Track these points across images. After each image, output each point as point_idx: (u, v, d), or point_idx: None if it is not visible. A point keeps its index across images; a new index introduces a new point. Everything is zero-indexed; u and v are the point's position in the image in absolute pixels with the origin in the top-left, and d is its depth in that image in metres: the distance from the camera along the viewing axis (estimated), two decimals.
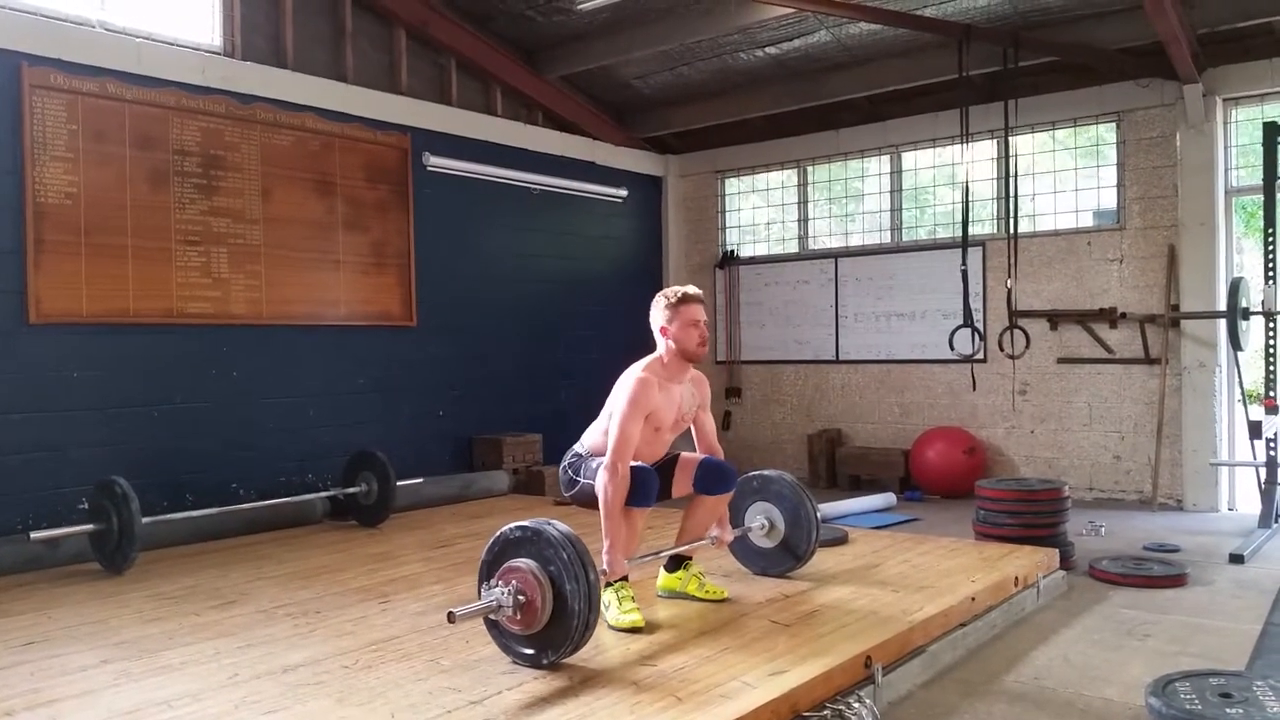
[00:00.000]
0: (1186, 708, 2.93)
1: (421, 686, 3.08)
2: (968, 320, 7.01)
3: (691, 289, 3.89)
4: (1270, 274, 6.12)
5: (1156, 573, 4.89)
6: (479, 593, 3.27)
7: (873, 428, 8.49)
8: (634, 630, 3.58)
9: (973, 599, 4.08)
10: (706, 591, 4.09)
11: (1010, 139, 7.04)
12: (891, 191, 8.53)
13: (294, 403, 6.53)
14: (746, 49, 7.89)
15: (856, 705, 3.09)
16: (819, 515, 4.43)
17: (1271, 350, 6.20)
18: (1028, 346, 7.15)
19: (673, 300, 3.82)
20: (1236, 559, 5.29)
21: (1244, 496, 6.93)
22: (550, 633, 3.16)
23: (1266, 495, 6.12)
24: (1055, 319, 7.53)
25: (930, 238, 8.37)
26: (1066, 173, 7.69)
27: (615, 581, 3.72)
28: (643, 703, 2.89)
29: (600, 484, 3.67)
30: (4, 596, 4.41)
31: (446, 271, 7.42)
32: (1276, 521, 6.06)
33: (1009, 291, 7.08)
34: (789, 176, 9.14)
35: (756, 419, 9.17)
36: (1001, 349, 7.22)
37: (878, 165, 8.61)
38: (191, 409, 6.00)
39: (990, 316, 7.74)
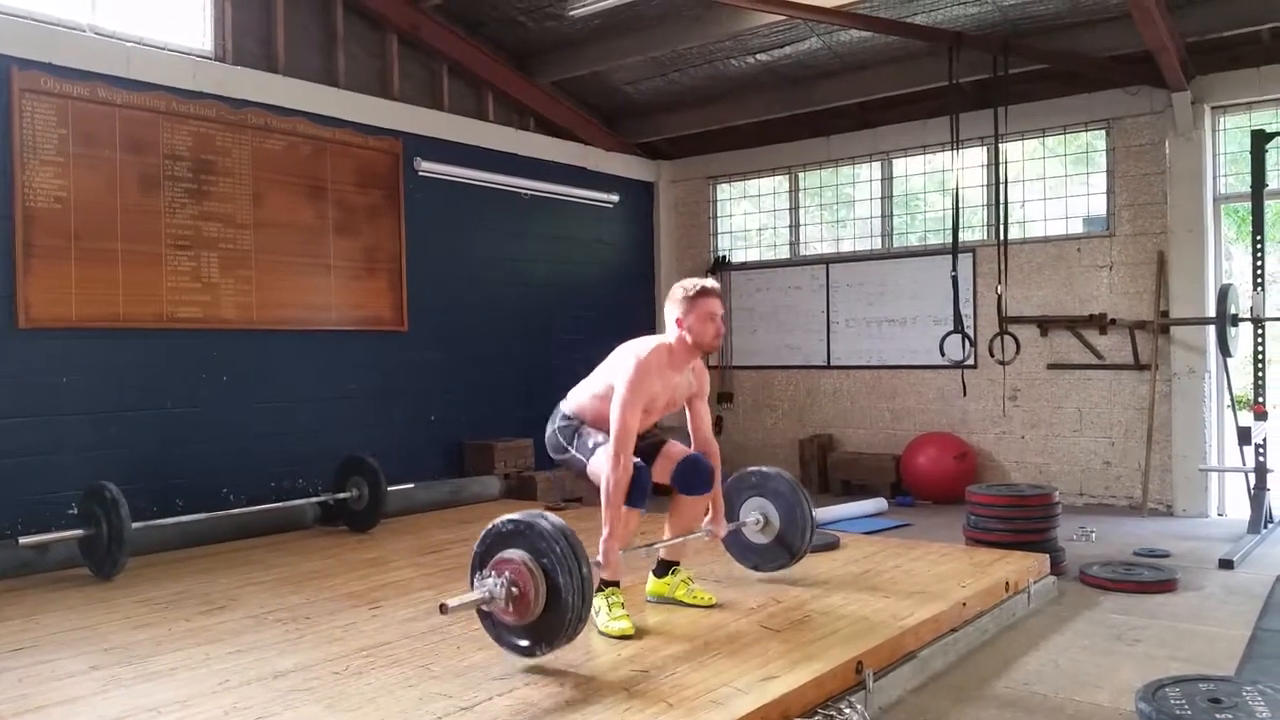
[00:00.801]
0: (1176, 713, 2.94)
1: (412, 693, 3.08)
2: (958, 326, 7.04)
3: (710, 282, 3.86)
4: (1258, 280, 6.16)
5: (1146, 578, 4.91)
6: (471, 584, 3.26)
7: (864, 433, 8.50)
8: (624, 637, 3.57)
9: (964, 604, 4.09)
10: (695, 597, 4.09)
11: (1000, 146, 7.07)
12: (882, 198, 8.55)
13: (285, 407, 6.51)
14: (738, 56, 7.91)
15: (848, 711, 3.10)
16: (814, 515, 4.43)
17: (1260, 356, 6.23)
18: (1018, 352, 7.18)
19: (691, 293, 3.78)
20: (1226, 564, 5.31)
21: (1234, 502, 6.95)
22: (544, 624, 3.15)
23: (1256, 500, 6.14)
24: (1045, 325, 7.55)
25: (921, 244, 8.40)
26: (1056, 179, 7.72)
27: (606, 587, 3.71)
28: (634, 709, 2.89)
29: (604, 475, 3.65)
30: None
31: (438, 276, 7.41)
32: (1266, 527, 6.09)
33: (999, 297, 7.09)
34: (780, 182, 9.16)
35: (748, 424, 9.17)
36: (992, 355, 7.24)
37: (869, 172, 8.64)
38: (182, 414, 5.98)
39: (981, 322, 7.76)
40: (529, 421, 7.87)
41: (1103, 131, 7.43)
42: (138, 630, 3.89)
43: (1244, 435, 6.23)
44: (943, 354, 7.21)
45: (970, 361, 7.53)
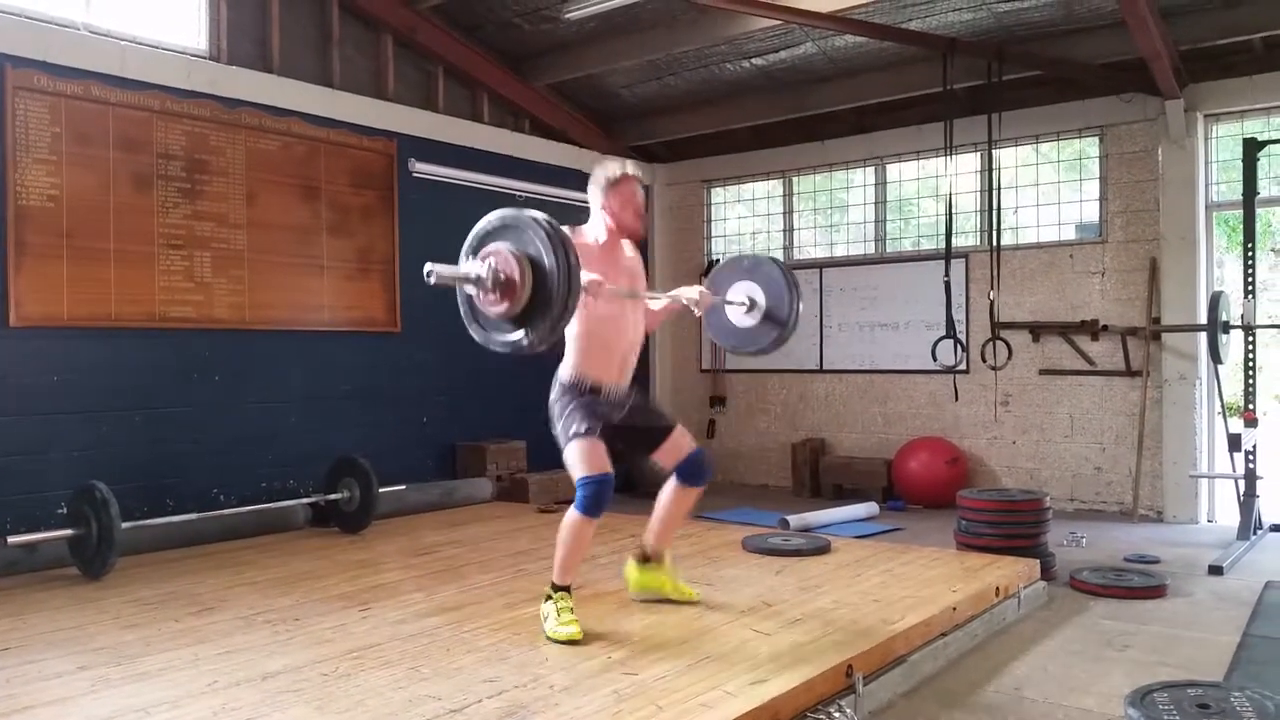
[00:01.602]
0: (1164, 718, 2.95)
1: (401, 694, 3.07)
2: (950, 331, 7.05)
3: (631, 167, 3.98)
4: (1249, 288, 6.18)
5: (1136, 584, 4.92)
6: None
7: (856, 437, 8.51)
8: (571, 643, 3.55)
9: (954, 609, 4.09)
10: (680, 592, 4.11)
11: (994, 152, 7.09)
12: (876, 203, 8.57)
13: (276, 408, 6.49)
14: (733, 60, 7.92)
15: (837, 714, 3.10)
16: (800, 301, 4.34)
17: (1250, 363, 6.25)
18: (1010, 358, 7.21)
19: (614, 178, 3.91)
20: (1216, 570, 5.33)
21: (1224, 508, 6.97)
22: (532, 310, 3.14)
23: (1245, 507, 6.16)
24: (1037, 331, 7.57)
25: (914, 249, 8.41)
26: (1049, 186, 7.75)
27: (557, 592, 3.71)
28: (623, 712, 2.89)
29: (565, 525, 3.71)
30: None
31: None
32: (1255, 533, 6.11)
33: (991, 303, 7.13)
34: (774, 187, 9.18)
35: (741, 428, 9.18)
36: (984, 360, 7.27)
37: (862, 177, 8.66)
38: (173, 414, 5.96)
39: (973, 328, 7.78)
40: (521, 424, 7.87)
41: (1096, 138, 7.45)
42: (127, 630, 3.87)
43: (1234, 442, 6.24)
44: (935, 359, 7.23)
45: (962, 367, 7.55)
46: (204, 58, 6.31)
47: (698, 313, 4.21)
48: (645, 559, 4.16)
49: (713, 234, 9.54)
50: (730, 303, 4.34)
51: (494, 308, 3.20)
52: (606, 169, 3.95)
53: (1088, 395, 7.42)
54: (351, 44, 7.18)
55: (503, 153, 8.03)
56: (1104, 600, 4.78)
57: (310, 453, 6.47)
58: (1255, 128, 6.85)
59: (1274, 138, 6.43)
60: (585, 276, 3.53)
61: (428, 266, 3.16)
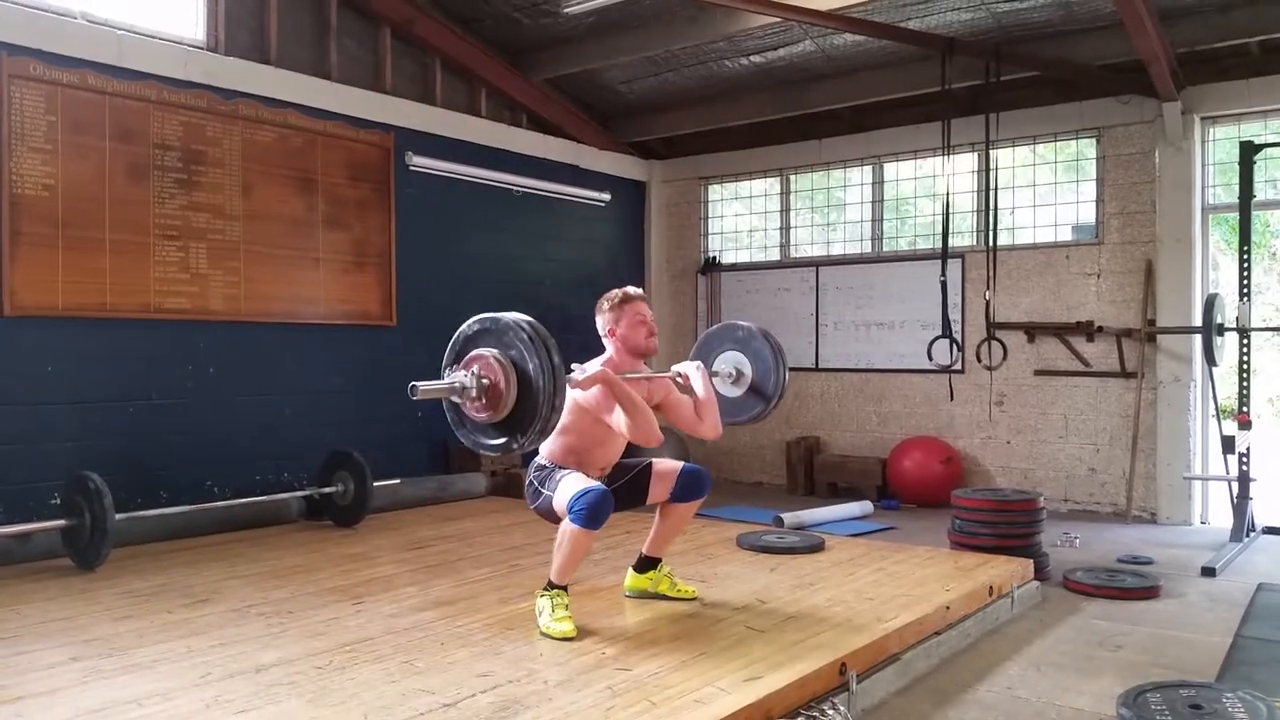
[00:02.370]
0: (1157, 719, 2.96)
1: (395, 688, 3.07)
2: (946, 331, 7.06)
3: (632, 289, 3.95)
4: (1245, 291, 6.20)
5: (1130, 584, 4.93)
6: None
7: (851, 436, 8.52)
8: (565, 640, 3.53)
9: (948, 608, 4.10)
10: (679, 591, 4.11)
11: (991, 152, 7.10)
12: (873, 202, 8.57)
13: (271, 401, 6.48)
14: (731, 57, 7.91)
15: (831, 712, 3.11)
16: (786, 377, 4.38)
17: (1245, 366, 6.27)
18: (1005, 358, 7.22)
19: (616, 301, 3.89)
20: (1209, 572, 5.35)
21: (1217, 510, 6.99)
22: (517, 415, 3.16)
23: (1239, 509, 6.18)
24: (1033, 331, 7.58)
25: (910, 248, 8.42)
26: (1046, 186, 7.75)
27: (553, 589, 3.70)
28: (617, 707, 2.89)
29: (563, 502, 3.67)
30: None
31: (427, 271, 7.39)
32: (1248, 535, 6.13)
33: (987, 303, 7.14)
34: (772, 184, 9.17)
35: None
36: (979, 360, 7.27)
37: (859, 175, 8.66)
38: (167, 405, 5.95)
39: (969, 328, 7.79)
40: None
41: (1093, 139, 7.46)
42: (120, 622, 3.87)
43: (1228, 444, 6.27)
44: (930, 358, 7.24)
45: (958, 366, 7.55)
46: (201, 48, 6.29)
47: (697, 379, 4.03)
48: (643, 565, 4.16)
49: (709, 231, 9.53)
50: (716, 373, 4.36)
51: (480, 414, 3.21)
52: (609, 295, 3.92)
53: (1082, 396, 7.43)
54: (349, 36, 7.16)
55: (500, 147, 8.02)
56: (1097, 601, 4.79)
57: (305, 446, 6.46)
58: (1252, 130, 6.86)
59: (1270, 141, 6.45)
60: (589, 369, 3.58)
61: (412, 385, 3.17)
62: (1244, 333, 6.23)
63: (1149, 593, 4.87)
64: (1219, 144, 7.11)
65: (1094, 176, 7.47)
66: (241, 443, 6.28)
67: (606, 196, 9.02)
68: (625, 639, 3.58)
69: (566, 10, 6.55)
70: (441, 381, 3.25)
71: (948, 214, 7.17)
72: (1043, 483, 7.49)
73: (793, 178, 9.04)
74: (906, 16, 6.88)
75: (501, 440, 3.22)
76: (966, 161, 7.86)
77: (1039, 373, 7.59)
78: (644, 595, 4.13)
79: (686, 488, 3.99)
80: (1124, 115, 7.21)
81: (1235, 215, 6.55)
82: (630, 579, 4.18)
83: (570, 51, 8.01)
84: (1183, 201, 7.00)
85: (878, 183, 8.54)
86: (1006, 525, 5.19)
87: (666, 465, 4.03)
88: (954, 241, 7.59)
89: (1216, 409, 6.94)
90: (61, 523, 4.83)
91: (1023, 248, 7.74)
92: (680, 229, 9.63)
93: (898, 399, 8.27)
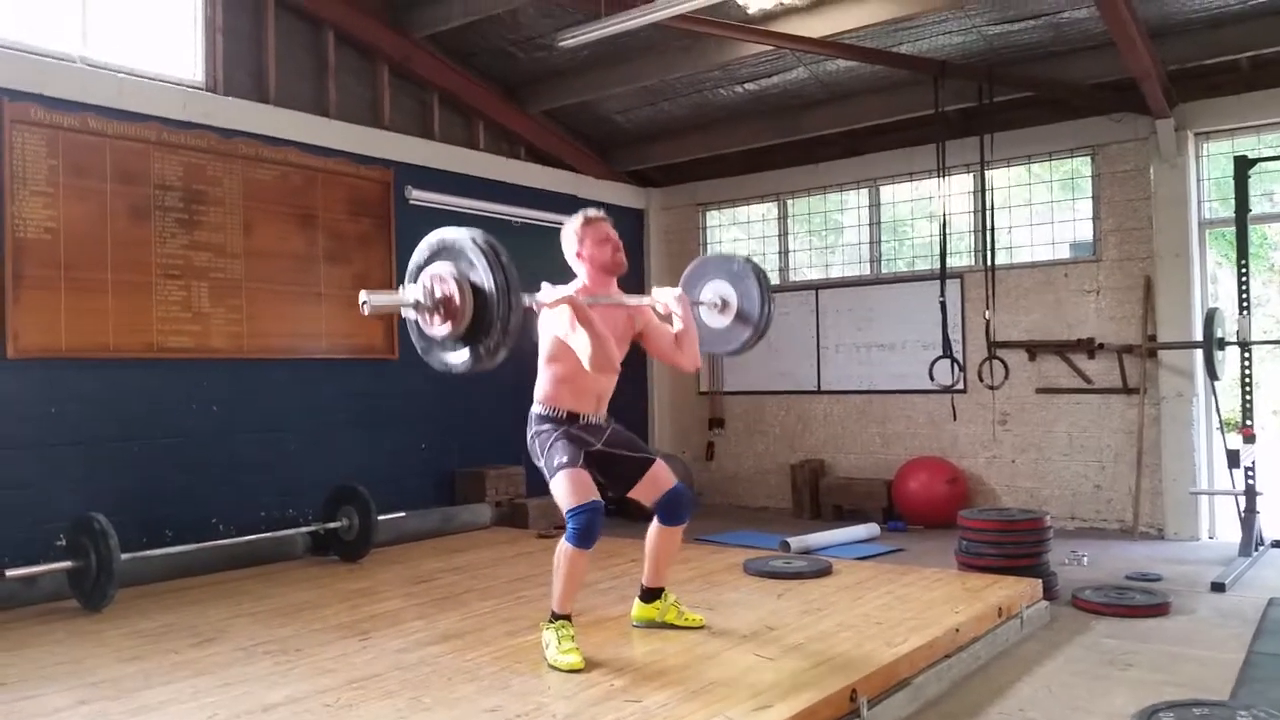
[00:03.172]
0: None
1: None
2: (947, 351, 7.07)
3: (592, 211, 3.96)
4: (1244, 304, 6.21)
5: (1139, 602, 4.91)
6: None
7: (855, 458, 8.51)
8: (573, 671, 3.52)
9: (957, 630, 4.08)
10: (686, 619, 4.09)
11: (986, 172, 7.14)
12: (870, 224, 8.61)
13: (275, 437, 6.48)
14: (726, 85, 7.98)
15: None
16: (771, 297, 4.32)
17: (1247, 379, 6.27)
18: (1007, 377, 7.21)
19: (579, 224, 3.92)
20: (1218, 587, 5.32)
21: (1224, 525, 6.97)
22: (477, 325, 3.16)
23: (1246, 523, 6.15)
24: (1034, 350, 7.59)
25: (909, 269, 8.44)
26: (1042, 205, 7.79)
27: (557, 620, 3.70)
28: None
29: (560, 554, 3.68)
30: None
31: None
32: (1257, 550, 6.10)
33: (987, 323, 7.15)
34: (769, 209, 9.22)
35: (740, 450, 9.17)
36: (981, 379, 7.27)
37: (856, 198, 8.70)
38: (171, 444, 5.95)
39: (969, 347, 7.80)
40: (520, 449, 7.79)
41: (1088, 158, 7.50)
42: (126, 663, 3.85)
43: (1233, 458, 6.25)
44: (932, 379, 7.25)
45: (960, 386, 7.56)
46: (200, 89, 6.34)
47: (678, 311, 4.03)
48: (648, 596, 4.15)
49: None
50: (701, 303, 4.32)
51: (438, 329, 3.23)
52: (570, 221, 3.94)
53: (1085, 413, 7.43)
54: (347, 73, 7.23)
55: (499, 179, 8.07)
56: (1106, 619, 4.77)
57: (309, 481, 6.46)
58: (1246, 145, 6.89)
59: (1265, 155, 6.48)
60: (560, 292, 3.57)
61: (361, 295, 3.18)
62: (1245, 346, 6.23)
63: (1159, 610, 4.84)
64: (1213, 159, 7.15)
65: (1090, 194, 7.50)
66: (246, 479, 6.28)
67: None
68: (633, 670, 3.57)
69: (561, 44, 6.62)
70: (393, 294, 3.24)
71: (945, 235, 7.20)
72: (1048, 501, 7.47)
73: (790, 202, 9.08)
74: (898, 41, 6.95)
75: (467, 353, 3.21)
76: (962, 182, 7.90)
77: (1041, 391, 7.59)
78: (651, 625, 4.11)
79: (668, 509, 3.95)
80: (1118, 133, 7.25)
81: (1232, 229, 6.57)
82: (637, 609, 4.17)
83: (566, 84, 8.09)
84: (1179, 217, 7.03)
85: (874, 205, 8.58)
86: (1013, 545, 5.17)
87: (663, 474, 3.96)
88: (952, 262, 7.62)
89: (1220, 423, 6.93)
90: (67, 564, 4.83)
91: (1021, 266, 7.76)
92: (679, 255, 9.64)
93: (901, 420, 8.26)
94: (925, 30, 6.81)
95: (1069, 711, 3.52)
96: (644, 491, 3.94)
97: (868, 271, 8.62)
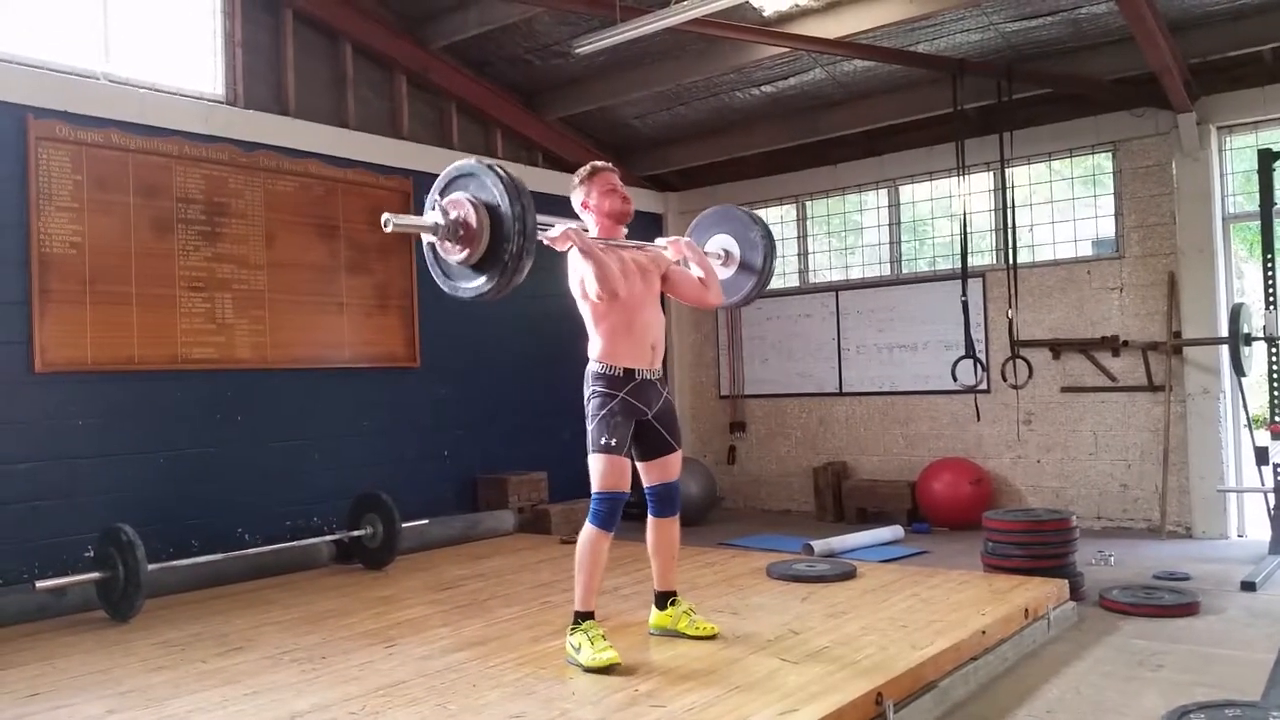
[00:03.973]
0: None
1: None
2: (970, 351, 7.03)
3: (599, 162, 4.12)
4: (1270, 300, 6.14)
5: (1167, 602, 4.86)
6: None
7: (878, 460, 8.47)
8: (610, 668, 3.53)
9: (983, 632, 4.05)
10: (697, 628, 4.04)
11: (1007, 170, 7.09)
12: (890, 224, 8.57)
13: (298, 446, 6.53)
14: (742, 88, 7.98)
15: None
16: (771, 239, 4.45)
17: (1275, 375, 6.20)
18: (1030, 376, 7.17)
19: (585, 175, 4.09)
20: (1248, 586, 5.25)
21: (1253, 522, 6.89)
22: (493, 252, 3.23)
23: (1276, 521, 6.08)
24: (1057, 348, 7.53)
25: (930, 269, 8.40)
26: (1064, 202, 7.73)
27: (583, 621, 3.71)
28: None
29: (581, 542, 3.75)
30: (9, 647, 4.40)
31: (449, 312, 7.42)
32: None
33: (1010, 322, 7.10)
34: (788, 211, 9.20)
35: (762, 453, 9.15)
36: (1004, 379, 7.22)
37: (875, 199, 8.67)
38: (196, 455, 6.01)
39: (992, 347, 7.75)
40: (542, 455, 7.89)
41: (1109, 154, 7.44)
42: (154, 673, 3.89)
43: (1261, 455, 6.18)
44: (955, 379, 7.21)
45: (983, 386, 7.51)
46: (221, 102, 6.41)
47: (689, 255, 4.21)
48: (661, 601, 4.14)
49: None
50: (707, 253, 4.42)
51: (454, 255, 3.31)
52: (578, 171, 4.11)
53: (1111, 412, 7.36)
54: (366, 85, 7.28)
55: None
56: (1135, 619, 4.72)
57: (333, 489, 6.50)
58: (1270, 138, 6.82)
59: None
60: (563, 225, 3.72)
61: (385, 216, 3.27)
62: (1272, 341, 6.17)
63: (1188, 609, 4.79)
64: (1237, 153, 7.07)
65: (1112, 190, 7.44)
66: (271, 489, 6.33)
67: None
68: (658, 674, 3.56)
69: (577, 50, 6.64)
70: (417, 217, 3.34)
71: (965, 234, 7.16)
72: (1074, 500, 7.41)
73: (809, 204, 9.06)
74: (915, 40, 6.92)
75: (478, 282, 3.29)
76: (982, 180, 7.85)
77: (1066, 389, 7.53)
78: (667, 633, 4.09)
79: (661, 499, 4.00)
80: (1139, 128, 7.19)
81: (1255, 224, 6.50)
82: (654, 616, 4.15)
83: (582, 90, 8.11)
84: (1202, 212, 6.96)
85: (894, 205, 8.55)
86: (1040, 546, 5.12)
87: (676, 464, 4.03)
88: (973, 261, 7.58)
89: (1248, 420, 6.85)
90: (96, 575, 4.88)
91: (1043, 264, 7.70)
92: None
93: (924, 421, 8.22)
94: (943, 29, 6.78)
95: (1099, 713, 3.49)
96: (653, 472, 4.00)
97: (888, 272, 8.58)
